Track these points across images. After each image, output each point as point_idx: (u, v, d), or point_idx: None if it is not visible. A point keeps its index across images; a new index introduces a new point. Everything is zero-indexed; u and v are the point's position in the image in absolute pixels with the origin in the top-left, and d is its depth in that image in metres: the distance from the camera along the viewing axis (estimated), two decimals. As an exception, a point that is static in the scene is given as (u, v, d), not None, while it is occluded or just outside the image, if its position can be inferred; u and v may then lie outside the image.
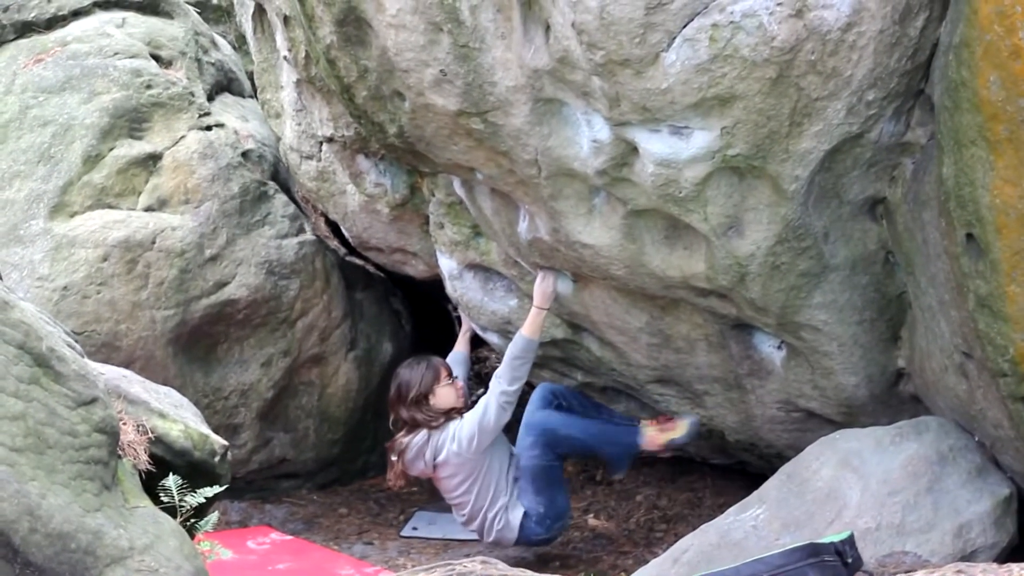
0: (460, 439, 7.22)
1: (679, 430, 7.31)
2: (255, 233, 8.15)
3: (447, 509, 7.81)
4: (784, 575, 5.14)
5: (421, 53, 6.04)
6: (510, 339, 7.35)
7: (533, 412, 7.41)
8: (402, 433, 7.42)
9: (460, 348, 8.09)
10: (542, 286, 6.97)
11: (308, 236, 8.36)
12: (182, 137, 8.24)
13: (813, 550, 5.19)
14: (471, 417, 7.25)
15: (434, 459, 7.31)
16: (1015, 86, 5.03)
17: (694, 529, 6.46)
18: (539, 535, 7.39)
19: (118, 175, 7.99)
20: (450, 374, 7.45)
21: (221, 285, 7.97)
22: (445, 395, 7.35)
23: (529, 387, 7.55)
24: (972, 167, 5.27)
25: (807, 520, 6.03)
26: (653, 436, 7.32)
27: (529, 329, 7.08)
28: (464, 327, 8.13)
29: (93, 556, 4.49)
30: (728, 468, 8.08)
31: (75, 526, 4.48)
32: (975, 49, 5.15)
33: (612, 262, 6.40)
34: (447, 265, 7.58)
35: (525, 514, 7.34)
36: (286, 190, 8.53)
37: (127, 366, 6.72)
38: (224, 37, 9.98)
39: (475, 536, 7.62)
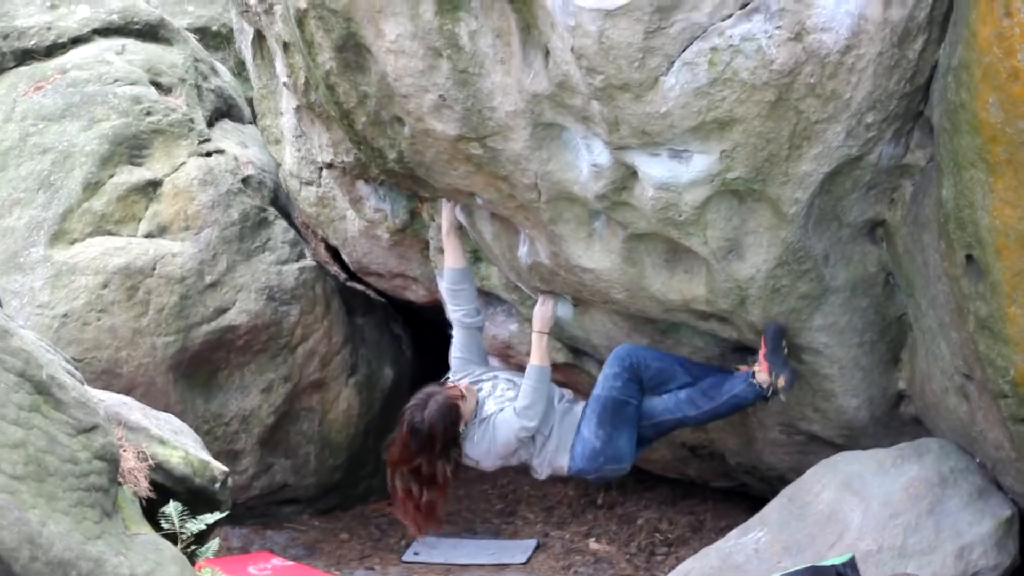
0: (484, 461, 6.81)
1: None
2: (255, 259, 8.14)
3: (449, 534, 7.79)
4: (786, 598, 5.14)
5: (420, 79, 6.05)
6: (510, 363, 7.34)
7: (621, 350, 6.77)
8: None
9: (459, 262, 7.08)
10: (541, 310, 6.89)
11: (308, 262, 8.36)
12: (182, 164, 8.24)
13: (815, 573, 5.19)
14: (492, 449, 6.74)
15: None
16: (1014, 108, 5.04)
17: (696, 552, 6.46)
18: (587, 471, 6.72)
19: (118, 202, 7.99)
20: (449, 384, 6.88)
21: (221, 311, 7.96)
22: (466, 409, 6.70)
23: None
24: (971, 189, 5.27)
25: (809, 543, 6.02)
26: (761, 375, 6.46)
27: (537, 357, 6.78)
28: (445, 226, 7.12)
29: (94, 583, 4.49)
30: (729, 491, 8.07)
31: (76, 554, 4.47)
32: (974, 71, 5.16)
33: (612, 286, 6.40)
34: (447, 290, 7.57)
35: (575, 444, 6.71)
36: (286, 216, 8.53)
37: (128, 393, 6.71)
38: (223, 63, 9.99)
39: (478, 561, 7.58)
